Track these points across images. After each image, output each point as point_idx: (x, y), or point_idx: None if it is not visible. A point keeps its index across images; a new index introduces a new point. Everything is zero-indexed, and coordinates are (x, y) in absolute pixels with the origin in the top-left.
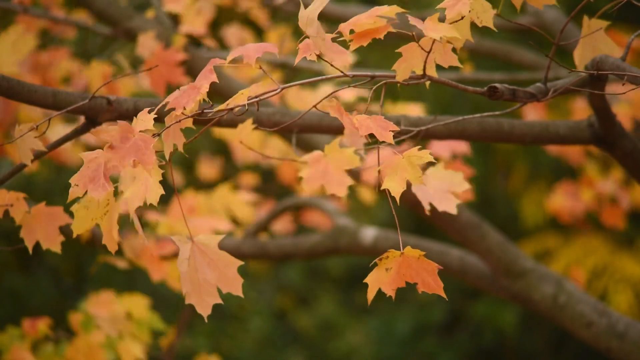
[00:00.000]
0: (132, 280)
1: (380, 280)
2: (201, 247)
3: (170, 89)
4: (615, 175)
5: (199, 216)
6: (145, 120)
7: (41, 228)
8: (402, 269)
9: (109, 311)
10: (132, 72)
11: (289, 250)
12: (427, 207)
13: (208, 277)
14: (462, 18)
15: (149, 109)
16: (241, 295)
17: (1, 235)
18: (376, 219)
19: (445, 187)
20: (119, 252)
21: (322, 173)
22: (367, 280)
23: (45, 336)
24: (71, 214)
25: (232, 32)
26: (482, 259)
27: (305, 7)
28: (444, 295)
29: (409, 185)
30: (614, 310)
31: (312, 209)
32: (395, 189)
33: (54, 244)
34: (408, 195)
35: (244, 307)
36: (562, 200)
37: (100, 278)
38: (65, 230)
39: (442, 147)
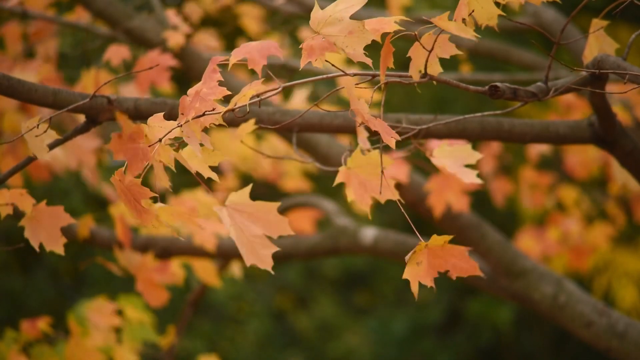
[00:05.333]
0: (132, 280)
1: (417, 274)
2: (236, 207)
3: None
4: (576, 213)
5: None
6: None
7: (43, 229)
8: (431, 260)
9: (106, 320)
10: (126, 72)
11: (289, 250)
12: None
13: (254, 232)
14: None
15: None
16: (291, 233)
17: (0, 235)
18: (377, 219)
19: (459, 163)
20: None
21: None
22: (405, 276)
23: (43, 336)
24: (72, 215)
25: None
26: (482, 259)
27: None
28: (480, 273)
29: (409, 184)
30: (615, 310)
31: (312, 208)
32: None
33: (56, 245)
34: (408, 194)
35: (242, 309)
36: (531, 244)
37: (99, 278)
38: (66, 230)
39: None
